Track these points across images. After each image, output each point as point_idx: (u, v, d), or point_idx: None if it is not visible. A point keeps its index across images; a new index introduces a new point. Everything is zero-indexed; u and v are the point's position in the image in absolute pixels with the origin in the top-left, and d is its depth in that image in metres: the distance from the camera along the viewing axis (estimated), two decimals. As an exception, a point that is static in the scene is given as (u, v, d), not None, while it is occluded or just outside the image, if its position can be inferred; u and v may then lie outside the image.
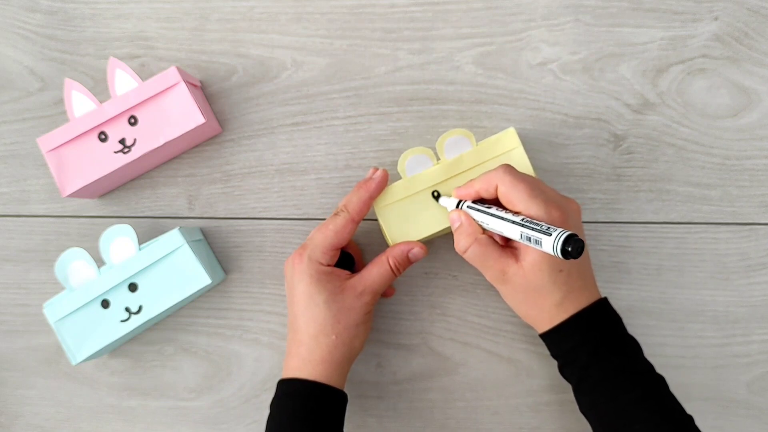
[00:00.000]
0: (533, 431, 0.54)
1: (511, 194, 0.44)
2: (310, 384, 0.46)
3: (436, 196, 0.50)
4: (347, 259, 0.51)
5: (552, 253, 0.40)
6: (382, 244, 0.54)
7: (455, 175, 0.50)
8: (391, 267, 0.48)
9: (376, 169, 0.49)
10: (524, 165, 0.49)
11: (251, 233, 0.55)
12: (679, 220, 0.54)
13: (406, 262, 0.49)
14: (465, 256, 0.47)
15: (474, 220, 0.47)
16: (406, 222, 0.50)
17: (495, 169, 0.46)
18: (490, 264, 0.46)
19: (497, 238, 0.47)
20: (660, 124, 0.54)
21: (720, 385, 0.54)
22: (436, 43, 0.54)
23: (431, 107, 0.54)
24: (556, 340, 0.47)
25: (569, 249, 0.39)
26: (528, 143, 0.54)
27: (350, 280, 0.48)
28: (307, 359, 0.46)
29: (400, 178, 0.50)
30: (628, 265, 0.54)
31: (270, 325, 0.55)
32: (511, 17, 0.54)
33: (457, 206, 0.48)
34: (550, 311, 0.46)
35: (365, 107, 0.55)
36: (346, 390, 0.48)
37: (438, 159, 0.50)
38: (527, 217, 0.43)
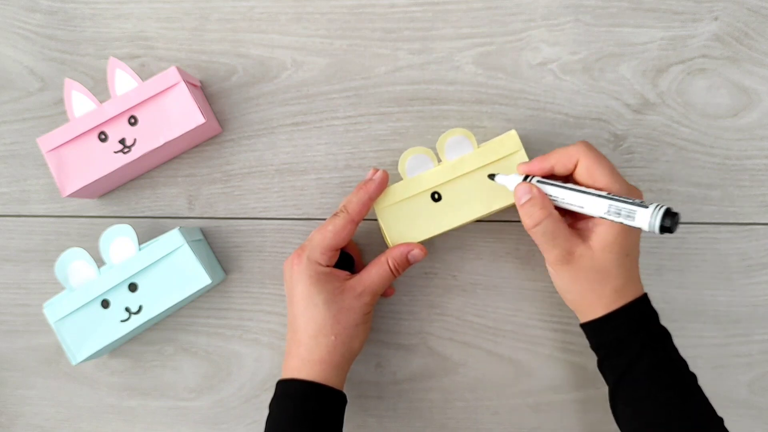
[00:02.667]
0: (533, 431, 0.54)
1: (596, 169, 0.43)
2: (309, 384, 0.46)
3: (491, 176, 0.48)
4: (347, 260, 0.51)
5: (647, 228, 0.39)
6: (382, 245, 0.54)
7: (456, 177, 0.50)
8: (390, 268, 0.48)
9: (377, 170, 0.49)
10: None
11: (251, 233, 0.55)
12: (680, 220, 0.54)
13: (406, 264, 0.49)
14: (534, 230, 0.44)
15: (546, 194, 0.44)
16: (406, 223, 0.50)
17: (575, 144, 0.45)
18: (559, 242, 0.44)
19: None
20: (660, 124, 0.54)
21: (720, 385, 0.54)
22: (436, 43, 0.54)
23: (431, 107, 0.54)
24: (609, 327, 0.45)
25: (668, 224, 0.38)
26: (528, 143, 0.54)
27: (349, 281, 0.48)
28: (306, 359, 0.46)
29: (400, 178, 0.50)
30: (628, 265, 0.54)
31: (270, 325, 0.55)
32: (511, 17, 0.54)
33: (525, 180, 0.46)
34: (609, 297, 0.44)
35: (365, 107, 0.55)
36: (345, 390, 0.48)
37: (439, 160, 0.50)
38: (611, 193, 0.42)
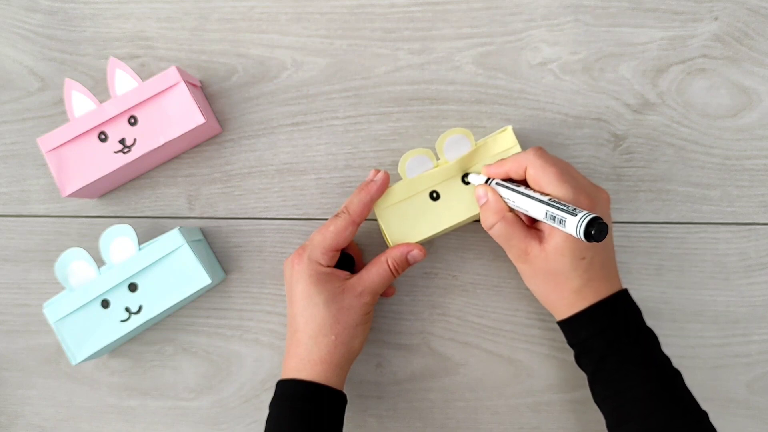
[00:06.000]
0: (533, 431, 0.54)
1: (541, 177, 0.44)
2: (308, 385, 0.46)
3: (465, 176, 0.50)
4: (348, 261, 0.51)
5: (575, 234, 0.40)
6: (382, 245, 0.54)
7: (455, 176, 0.50)
8: (390, 268, 0.48)
9: (378, 171, 0.49)
10: None
11: (251, 233, 0.55)
12: (679, 220, 0.54)
13: (405, 264, 0.49)
14: (490, 232, 0.47)
15: (501, 197, 0.47)
16: (406, 223, 0.50)
17: (526, 150, 0.46)
18: (513, 243, 0.46)
19: (523, 218, 0.47)
20: (660, 124, 0.54)
21: (720, 385, 0.54)
22: (436, 43, 0.54)
23: (431, 107, 0.54)
24: (575, 328, 0.46)
25: (592, 231, 0.39)
26: (528, 143, 0.54)
27: (349, 281, 0.48)
28: (306, 359, 0.46)
29: (400, 178, 0.50)
30: (628, 265, 0.54)
31: (270, 325, 0.55)
32: (511, 17, 0.54)
33: (486, 183, 0.48)
34: (569, 298, 0.45)
35: (365, 107, 0.55)
36: (346, 390, 0.48)
37: (438, 159, 0.50)
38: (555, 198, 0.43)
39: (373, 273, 0.48)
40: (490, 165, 0.48)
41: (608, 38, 0.54)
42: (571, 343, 0.47)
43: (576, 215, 0.40)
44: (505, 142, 0.49)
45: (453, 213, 0.50)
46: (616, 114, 0.54)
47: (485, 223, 0.47)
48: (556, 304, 0.47)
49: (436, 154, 0.50)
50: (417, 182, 0.50)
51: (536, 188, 0.45)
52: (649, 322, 0.54)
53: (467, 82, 0.54)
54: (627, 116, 0.54)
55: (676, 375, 0.45)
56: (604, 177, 0.54)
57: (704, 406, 0.54)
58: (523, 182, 0.46)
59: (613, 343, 0.45)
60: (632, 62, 0.54)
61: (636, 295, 0.54)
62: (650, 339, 0.46)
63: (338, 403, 0.47)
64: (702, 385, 0.54)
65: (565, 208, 0.41)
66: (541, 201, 0.43)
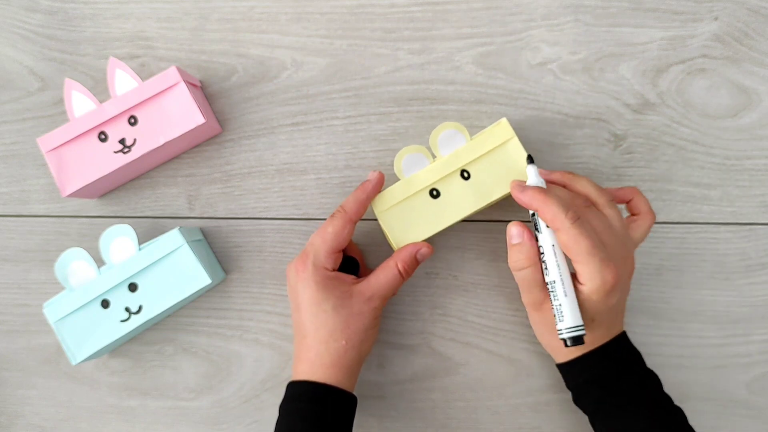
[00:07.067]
0: (533, 431, 0.54)
1: (572, 247, 0.42)
2: (320, 386, 0.46)
3: (529, 161, 0.48)
4: (351, 263, 0.51)
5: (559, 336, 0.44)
6: (382, 245, 0.54)
7: (453, 172, 0.50)
8: (399, 271, 0.48)
9: (374, 172, 0.49)
10: (520, 155, 0.49)
11: (251, 233, 0.55)
12: (679, 220, 0.54)
13: (415, 264, 0.48)
14: (517, 274, 0.46)
15: (536, 242, 0.46)
16: (408, 224, 0.49)
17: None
18: (534, 292, 0.46)
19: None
20: (660, 124, 0.54)
21: (720, 385, 0.54)
22: (436, 43, 0.54)
23: (431, 107, 0.54)
24: (572, 373, 0.47)
25: (567, 343, 0.43)
26: (528, 143, 0.54)
27: (358, 286, 0.47)
28: (317, 363, 0.46)
29: (397, 179, 0.50)
30: (628, 265, 0.54)
31: (270, 325, 0.55)
32: (511, 17, 0.54)
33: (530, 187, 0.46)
34: (570, 347, 0.46)
35: (365, 107, 0.55)
36: (346, 390, 0.48)
37: (433, 156, 0.50)
38: (579, 275, 0.43)
39: (382, 278, 0.48)
40: (553, 172, 0.48)
41: (608, 38, 0.54)
42: (569, 386, 0.48)
43: (562, 320, 0.44)
44: (502, 134, 0.49)
45: (455, 209, 0.49)
46: (616, 114, 0.54)
47: (515, 264, 0.46)
48: (558, 350, 0.48)
49: (431, 152, 0.50)
50: (415, 181, 0.49)
51: (566, 252, 0.43)
52: (649, 321, 0.54)
53: (467, 82, 0.54)
54: (627, 116, 0.54)
55: (678, 412, 0.45)
56: (605, 177, 0.54)
57: (704, 406, 0.55)
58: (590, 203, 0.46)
59: (608, 387, 0.45)
60: (632, 62, 0.54)
61: (636, 295, 0.54)
62: (650, 380, 0.46)
63: (349, 405, 0.47)
64: (702, 385, 0.54)
65: (560, 309, 0.44)
66: (554, 271, 0.44)
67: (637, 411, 0.44)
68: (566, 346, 0.43)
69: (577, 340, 0.43)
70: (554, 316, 0.44)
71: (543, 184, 0.46)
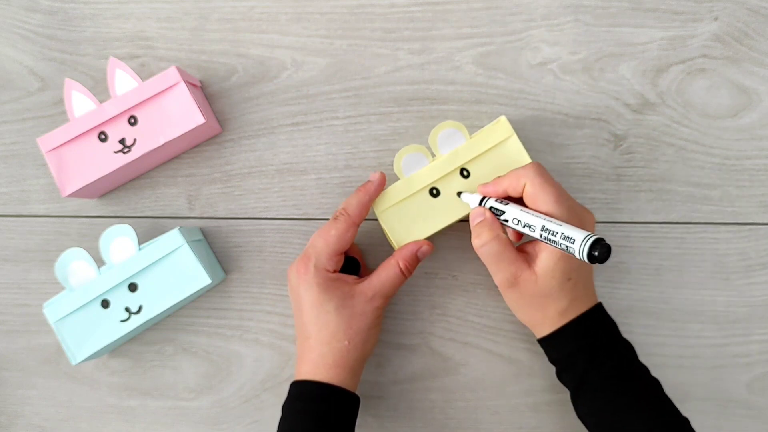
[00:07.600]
0: (533, 431, 0.54)
1: (539, 195, 0.44)
2: (323, 386, 0.46)
3: (458, 194, 0.49)
4: (352, 264, 0.51)
5: (577, 256, 0.40)
6: (383, 245, 0.54)
7: (452, 171, 0.50)
8: (401, 270, 0.48)
9: (376, 173, 0.49)
10: (519, 153, 0.49)
11: (251, 233, 0.55)
12: (679, 220, 0.54)
13: (416, 262, 0.48)
14: (481, 251, 0.46)
15: (497, 218, 0.46)
16: (408, 223, 0.50)
17: (525, 167, 0.45)
18: (503, 265, 0.45)
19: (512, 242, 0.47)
20: (660, 124, 0.54)
21: (720, 385, 0.54)
22: (436, 43, 0.54)
23: (431, 107, 0.54)
24: (556, 345, 0.47)
25: (596, 253, 0.39)
26: (528, 143, 0.54)
27: (359, 286, 0.47)
28: (320, 364, 0.46)
29: (397, 179, 0.50)
30: (628, 265, 0.54)
31: (270, 325, 0.55)
32: (511, 17, 0.54)
33: (481, 203, 0.47)
34: (553, 318, 0.46)
35: (365, 107, 0.55)
36: (346, 390, 0.48)
37: (433, 155, 0.50)
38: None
39: (384, 276, 0.48)
40: (486, 184, 0.47)
41: (608, 38, 0.54)
42: (553, 359, 0.48)
43: (573, 242, 0.40)
44: (501, 132, 0.49)
45: (455, 208, 0.50)
46: (616, 114, 0.54)
47: (478, 240, 0.46)
48: (539, 323, 0.47)
49: (431, 152, 0.50)
50: (415, 180, 0.50)
51: (532, 205, 0.45)
52: (649, 322, 0.54)
53: (467, 82, 0.54)
54: (627, 116, 0.54)
55: (655, 384, 0.45)
56: (604, 177, 0.54)
57: (704, 406, 0.55)
58: (518, 201, 0.46)
59: (593, 358, 0.45)
60: (632, 62, 0.54)
61: (636, 295, 0.54)
62: (628, 350, 0.46)
63: (352, 405, 0.47)
64: (702, 385, 0.54)
65: (561, 229, 0.41)
66: (539, 218, 0.43)
67: (621, 385, 0.44)
68: (594, 259, 0.39)
69: (599, 241, 0.39)
70: (563, 250, 0.42)
71: (478, 198, 0.48)
